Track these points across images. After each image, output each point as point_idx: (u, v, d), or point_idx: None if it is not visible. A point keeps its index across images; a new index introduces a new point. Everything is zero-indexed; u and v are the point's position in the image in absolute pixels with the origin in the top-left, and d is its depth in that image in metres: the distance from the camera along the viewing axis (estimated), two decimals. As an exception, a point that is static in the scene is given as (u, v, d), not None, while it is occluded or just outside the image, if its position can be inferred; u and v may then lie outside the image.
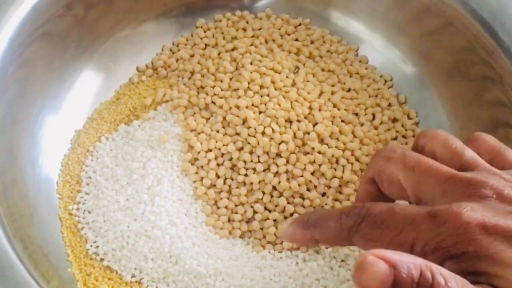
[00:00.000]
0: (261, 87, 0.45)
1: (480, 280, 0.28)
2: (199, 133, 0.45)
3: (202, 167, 0.44)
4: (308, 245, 0.36)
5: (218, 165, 0.44)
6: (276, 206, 0.43)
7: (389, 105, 0.47)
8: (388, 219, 0.30)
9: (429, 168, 0.31)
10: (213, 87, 0.46)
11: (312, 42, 0.50)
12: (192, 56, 0.49)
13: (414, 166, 0.32)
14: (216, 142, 0.44)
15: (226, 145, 0.44)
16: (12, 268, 0.36)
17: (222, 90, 0.46)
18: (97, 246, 0.41)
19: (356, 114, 0.46)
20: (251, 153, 0.43)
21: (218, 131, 0.44)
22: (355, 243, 0.32)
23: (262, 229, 0.43)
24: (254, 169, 0.43)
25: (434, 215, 0.29)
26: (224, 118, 0.45)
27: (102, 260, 0.41)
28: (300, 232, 0.34)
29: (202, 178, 0.44)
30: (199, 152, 0.44)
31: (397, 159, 0.33)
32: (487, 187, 0.30)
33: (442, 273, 0.27)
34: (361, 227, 0.31)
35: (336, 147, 0.43)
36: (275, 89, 0.45)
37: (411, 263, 0.27)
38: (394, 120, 0.47)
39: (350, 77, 0.48)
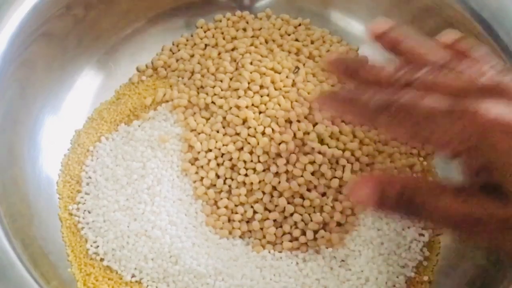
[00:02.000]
0: (261, 87, 0.45)
1: (489, 180, 0.30)
2: (199, 133, 0.45)
3: (202, 167, 0.44)
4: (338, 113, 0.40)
5: (218, 165, 0.44)
6: (276, 206, 0.43)
7: (389, 105, 0.47)
8: (413, 108, 0.32)
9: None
10: (213, 87, 0.46)
11: (312, 42, 0.50)
12: (192, 56, 0.49)
13: None
14: (216, 142, 0.44)
15: (226, 145, 0.44)
16: (12, 268, 0.36)
17: (222, 90, 0.46)
18: (97, 246, 0.42)
19: (356, 114, 0.46)
20: (251, 153, 0.43)
21: (218, 131, 0.44)
22: (378, 124, 0.34)
23: (262, 229, 0.43)
24: (254, 169, 0.43)
25: (453, 110, 0.31)
26: (224, 118, 0.45)
27: (102, 260, 0.41)
28: (333, 104, 0.36)
29: (202, 178, 0.44)
30: (199, 152, 0.44)
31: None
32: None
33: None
34: (385, 111, 0.32)
35: (336, 147, 0.43)
36: (275, 89, 0.45)
37: (392, 185, 0.32)
38: (394, 120, 0.47)
39: (350, 77, 0.48)
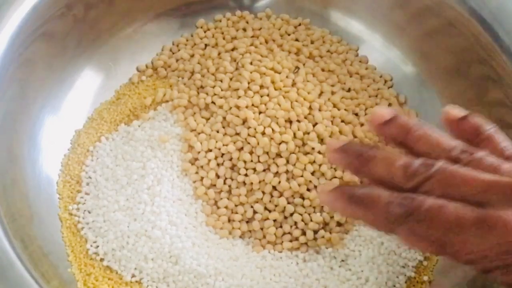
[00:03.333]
0: (261, 87, 0.45)
1: None
2: (199, 133, 0.45)
3: (202, 167, 0.44)
4: (347, 216, 0.35)
5: (218, 165, 0.44)
6: (276, 206, 0.43)
7: (389, 105, 0.47)
8: (436, 218, 0.28)
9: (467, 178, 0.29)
10: (213, 87, 0.46)
11: (312, 42, 0.50)
12: (192, 56, 0.49)
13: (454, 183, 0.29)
14: (216, 142, 0.44)
15: (226, 145, 0.44)
16: (12, 268, 0.36)
17: (222, 90, 0.46)
18: (97, 246, 0.41)
19: (356, 114, 0.46)
20: (251, 153, 0.43)
21: (218, 131, 0.44)
22: (397, 234, 0.30)
23: (262, 229, 0.43)
24: (254, 169, 0.43)
25: (482, 222, 0.27)
26: (224, 118, 0.45)
27: (102, 260, 0.41)
28: (342, 204, 0.31)
29: (202, 178, 0.44)
30: (199, 152, 0.44)
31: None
32: None
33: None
34: (408, 220, 0.29)
35: (336, 147, 0.43)
36: (275, 89, 0.45)
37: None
38: (394, 120, 0.47)
39: (350, 77, 0.48)
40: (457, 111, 0.32)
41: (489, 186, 0.28)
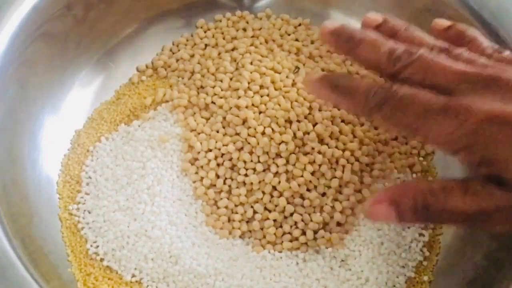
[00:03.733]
0: (261, 87, 0.45)
1: (490, 172, 0.31)
2: (199, 133, 0.45)
3: (202, 167, 0.44)
4: (329, 102, 0.40)
5: (218, 165, 0.44)
6: (276, 206, 0.43)
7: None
8: (409, 105, 0.32)
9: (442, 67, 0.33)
10: (213, 87, 0.46)
11: (312, 42, 0.50)
12: (192, 56, 0.49)
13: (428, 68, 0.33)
14: (216, 142, 0.44)
15: (226, 145, 0.44)
16: (12, 268, 0.36)
17: (222, 90, 0.46)
18: (97, 246, 0.42)
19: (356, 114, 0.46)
20: (251, 153, 0.43)
21: (218, 131, 0.44)
22: (374, 119, 0.34)
23: (262, 229, 0.43)
24: (254, 169, 0.43)
25: (448, 108, 0.31)
26: (224, 118, 0.45)
27: (102, 260, 0.41)
28: (325, 91, 0.35)
29: (202, 178, 0.44)
30: (199, 152, 0.44)
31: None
32: (501, 80, 0.32)
33: (434, 192, 0.32)
34: (383, 107, 0.33)
35: (336, 147, 0.43)
36: (275, 89, 0.45)
37: (405, 197, 0.32)
38: (394, 120, 0.47)
39: (350, 77, 0.48)
40: (443, 21, 0.37)
41: (461, 75, 0.32)
